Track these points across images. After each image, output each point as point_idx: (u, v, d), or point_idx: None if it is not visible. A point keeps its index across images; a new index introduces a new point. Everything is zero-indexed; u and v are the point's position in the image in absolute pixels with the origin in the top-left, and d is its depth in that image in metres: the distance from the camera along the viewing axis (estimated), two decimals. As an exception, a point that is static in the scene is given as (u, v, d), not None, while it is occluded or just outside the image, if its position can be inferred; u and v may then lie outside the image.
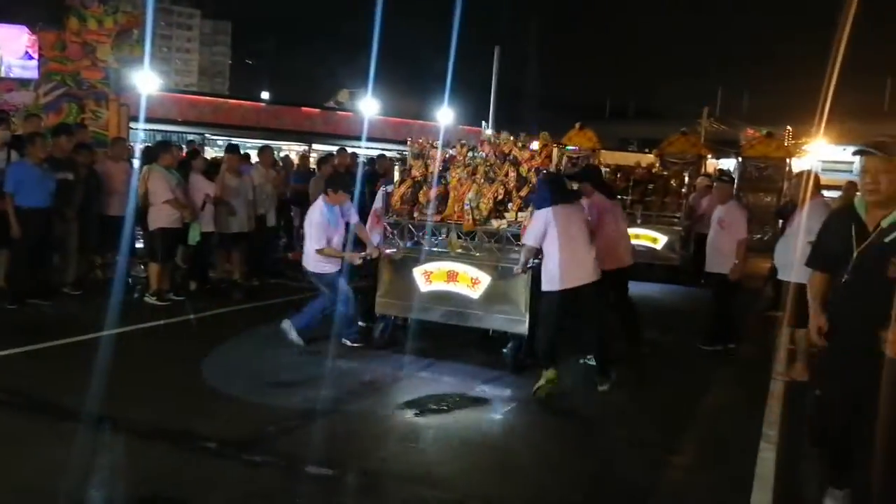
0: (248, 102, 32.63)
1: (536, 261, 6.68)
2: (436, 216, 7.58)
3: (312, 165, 15.21)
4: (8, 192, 8.43)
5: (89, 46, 12.54)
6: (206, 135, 28.27)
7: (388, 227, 7.76)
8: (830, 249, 4.17)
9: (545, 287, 6.38)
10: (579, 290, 6.34)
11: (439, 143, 7.98)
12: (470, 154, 7.84)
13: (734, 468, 5.06)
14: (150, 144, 11.85)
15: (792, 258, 6.82)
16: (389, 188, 8.00)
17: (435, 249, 7.58)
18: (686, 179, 14.76)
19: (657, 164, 18.01)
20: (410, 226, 7.70)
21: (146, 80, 17.32)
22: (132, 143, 12.86)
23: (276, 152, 15.23)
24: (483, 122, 33.20)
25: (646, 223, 13.70)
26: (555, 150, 7.48)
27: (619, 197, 14.48)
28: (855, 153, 4.05)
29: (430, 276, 7.31)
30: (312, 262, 7.51)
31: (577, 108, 52.22)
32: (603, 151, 22.06)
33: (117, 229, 9.32)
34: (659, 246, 13.43)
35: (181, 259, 10.28)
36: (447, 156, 7.91)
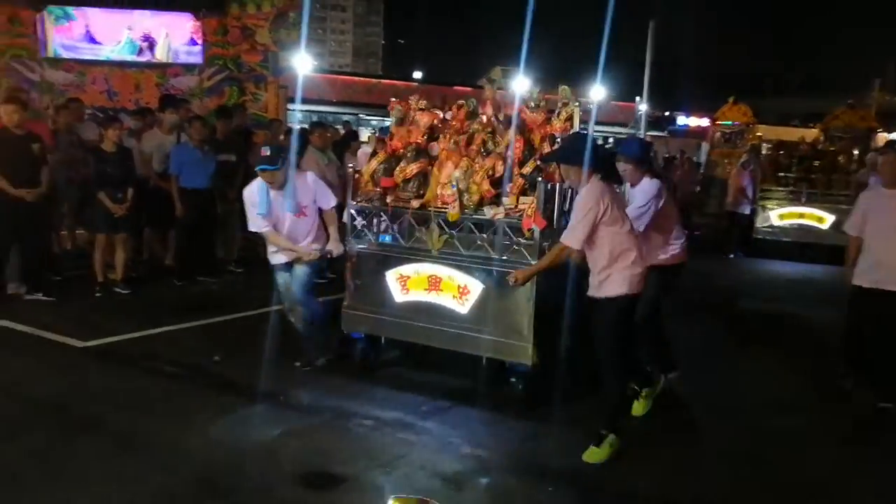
0: (401, 82, 33.15)
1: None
2: (414, 201, 5.68)
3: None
4: (173, 173, 8.84)
5: (248, 30, 12.99)
6: (361, 115, 28.93)
7: (355, 216, 5.94)
8: None
9: (612, 292, 4.55)
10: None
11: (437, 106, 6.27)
12: (480, 119, 5.95)
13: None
14: (305, 125, 12.14)
15: None
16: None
17: (413, 246, 5.68)
18: (855, 155, 13.80)
19: (822, 140, 16.95)
20: (383, 213, 5.82)
21: (302, 62, 17.81)
22: (289, 125, 13.24)
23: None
24: (636, 98, 32.19)
25: (811, 202, 13.36)
26: (576, 111, 5.57)
27: (781, 174, 13.90)
28: None
29: (406, 283, 5.64)
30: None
31: (734, 81, 49.64)
32: (762, 126, 20.87)
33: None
34: (825, 226, 13.12)
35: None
36: (439, 120, 6.07)
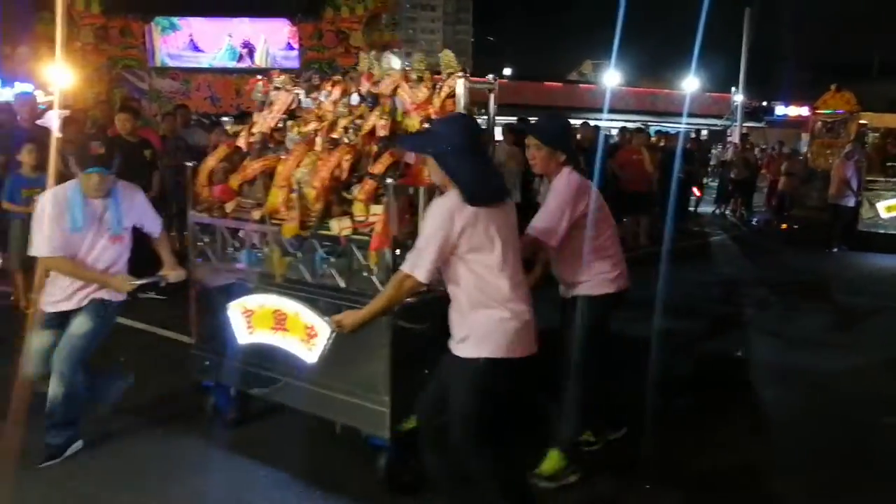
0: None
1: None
2: (255, 211, 4.30)
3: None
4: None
5: (343, 34, 13.36)
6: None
7: (196, 230, 4.63)
8: None
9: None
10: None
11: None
12: (349, 99, 4.41)
13: None
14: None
15: None
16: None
17: (257, 272, 4.34)
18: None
19: (937, 128, 16.14)
20: (224, 228, 4.48)
21: (394, 63, 18.13)
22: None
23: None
24: (732, 88, 31.40)
25: (923, 196, 12.53)
26: (460, 83, 3.94)
27: (889, 164, 13.32)
28: None
29: (251, 319, 4.32)
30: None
31: (838, 67, 47.62)
32: (867, 114, 20.02)
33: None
34: (940, 222, 12.28)
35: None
36: (297, 100, 4.68)
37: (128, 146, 8.09)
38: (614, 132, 16.72)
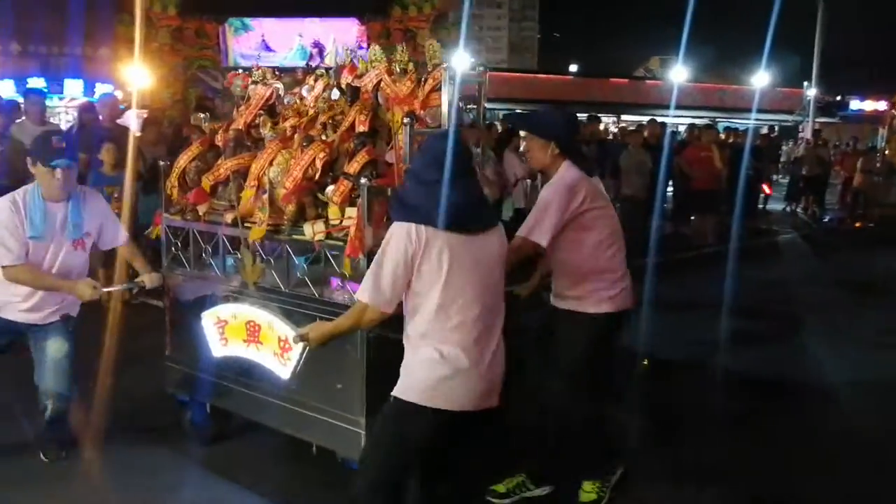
0: (557, 76, 33.09)
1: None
2: (227, 213, 3.96)
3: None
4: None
5: (410, 32, 13.54)
6: (517, 110, 29.16)
7: (169, 235, 4.27)
8: None
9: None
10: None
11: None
12: (329, 94, 4.11)
13: None
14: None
15: None
16: None
17: (230, 279, 4.06)
18: None
19: None
20: (196, 231, 4.15)
21: (461, 61, 18.24)
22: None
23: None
24: (805, 83, 30.61)
25: None
26: (445, 77, 3.66)
27: None
28: None
29: (225, 329, 4.04)
30: None
31: (920, 59, 45.82)
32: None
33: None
34: None
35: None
36: (276, 95, 4.37)
37: (204, 144, 8.38)
38: (681, 129, 16.54)
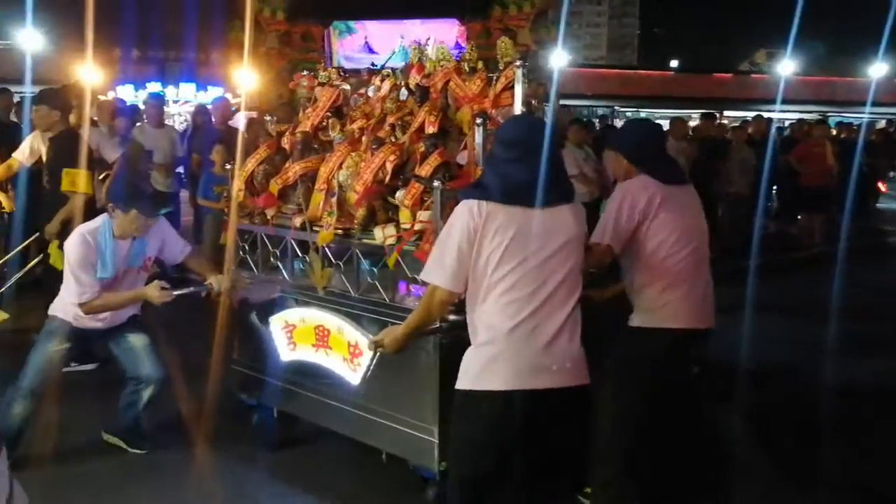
0: (657, 72, 32.57)
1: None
2: (296, 217, 3.96)
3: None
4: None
5: (510, 32, 13.57)
6: (616, 107, 28.85)
7: (238, 239, 4.31)
8: None
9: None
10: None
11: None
12: (398, 94, 4.06)
13: None
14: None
15: None
16: None
17: (299, 283, 4.04)
18: None
19: None
20: (265, 235, 4.18)
21: (559, 58, 18.16)
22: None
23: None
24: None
25: None
26: (519, 75, 3.53)
27: None
28: None
29: (293, 334, 4.02)
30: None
31: None
32: None
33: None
34: None
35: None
36: (342, 96, 4.28)
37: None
38: (787, 124, 16.00)
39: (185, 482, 3.99)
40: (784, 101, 29.35)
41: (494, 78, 3.71)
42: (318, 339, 3.86)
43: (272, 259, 4.16)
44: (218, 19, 16.77)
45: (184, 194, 9.32)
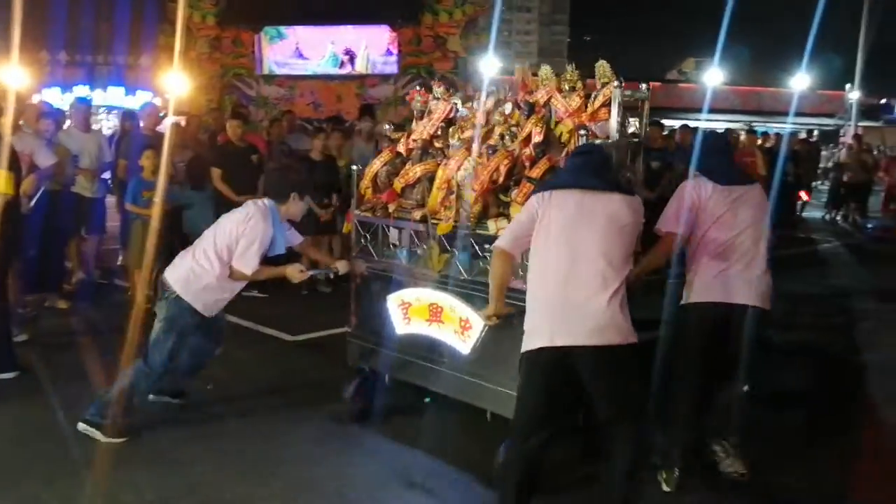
0: (588, 81, 32.94)
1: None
2: (415, 211, 4.72)
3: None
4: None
5: (440, 39, 13.58)
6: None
7: (359, 228, 5.05)
8: None
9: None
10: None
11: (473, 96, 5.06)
12: (504, 108, 4.72)
13: None
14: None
15: None
16: None
17: (415, 267, 4.76)
18: None
19: None
20: (385, 226, 4.93)
21: (490, 65, 18.17)
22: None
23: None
24: (847, 86, 30.02)
25: None
26: (615, 94, 4.22)
27: None
28: None
29: (408, 311, 4.70)
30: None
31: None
32: None
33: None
34: None
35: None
36: (454, 111, 5.00)
37: (238, 151, 8.47)
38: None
39: (260, 453, 4.52)
40: (712, 111, 30.01)
41: (593, 96, 4.38)
42: (431, 315, 4.56)
43: (391, 246, 4.91)
44: (148, 24, 16.37)
45: (110, 199, 9.24)
